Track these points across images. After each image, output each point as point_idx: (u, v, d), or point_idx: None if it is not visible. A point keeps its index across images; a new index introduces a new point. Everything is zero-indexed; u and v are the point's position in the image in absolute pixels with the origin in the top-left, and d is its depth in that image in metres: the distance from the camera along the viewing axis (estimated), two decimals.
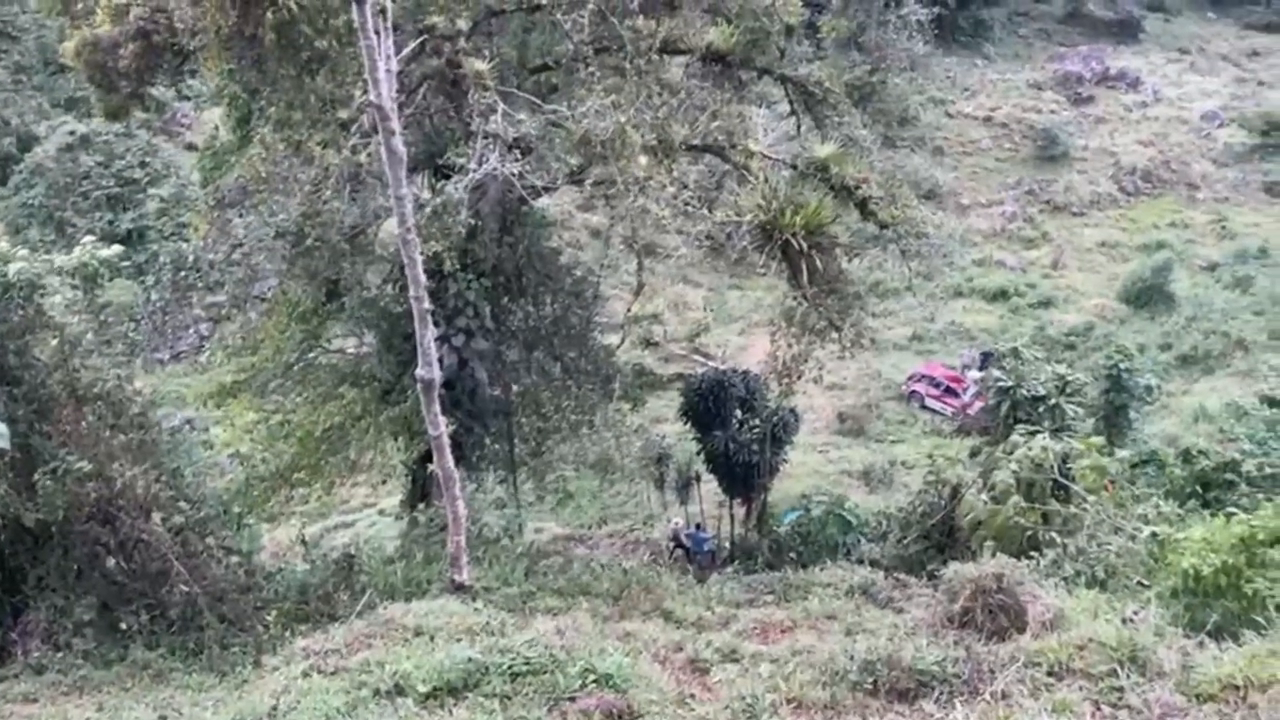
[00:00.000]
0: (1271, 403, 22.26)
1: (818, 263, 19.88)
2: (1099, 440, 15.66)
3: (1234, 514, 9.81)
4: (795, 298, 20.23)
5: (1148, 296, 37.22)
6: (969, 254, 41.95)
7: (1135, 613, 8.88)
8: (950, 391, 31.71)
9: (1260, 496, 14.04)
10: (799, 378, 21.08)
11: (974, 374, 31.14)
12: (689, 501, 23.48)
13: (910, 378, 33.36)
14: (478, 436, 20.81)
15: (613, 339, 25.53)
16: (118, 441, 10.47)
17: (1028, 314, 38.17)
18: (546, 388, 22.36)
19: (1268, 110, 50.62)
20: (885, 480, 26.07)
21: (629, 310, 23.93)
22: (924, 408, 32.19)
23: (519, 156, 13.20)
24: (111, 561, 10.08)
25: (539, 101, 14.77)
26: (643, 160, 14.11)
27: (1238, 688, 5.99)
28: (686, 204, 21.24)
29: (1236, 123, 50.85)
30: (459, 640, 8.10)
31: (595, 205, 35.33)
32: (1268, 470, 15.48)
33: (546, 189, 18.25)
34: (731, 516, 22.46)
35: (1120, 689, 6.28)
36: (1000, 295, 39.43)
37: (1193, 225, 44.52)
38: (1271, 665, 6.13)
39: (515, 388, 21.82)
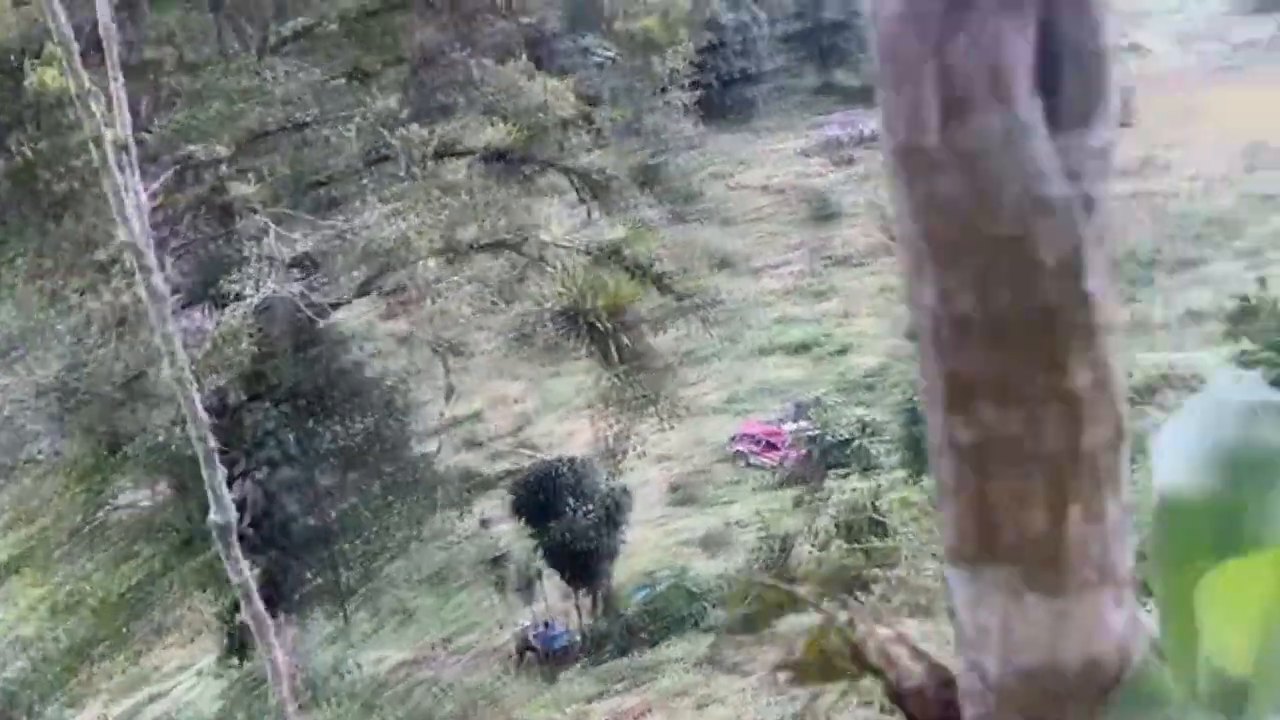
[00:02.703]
0: None
1: (625, 340, 20.28)
2: (902, 474, 16.59)
3: None
4: (609, 378, 20.52)
5: None
6: (768, 313, 44.05)
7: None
8: (771, 446, 32.81)
9: None
10: (624, 456, 21.23)
11: (790, 426, 32.43)
12: (534, 600, 22.94)
13: (733, 438, 34.34)
14: (297, 572, 19.62)
15: (434, 446, 24.89)
16: None
17: (829, 362, 40.31)
18: (368, 508, 21.47)
19: None
20: (724, 543, 26.45)
21: (442, 415, 23.53)
22: (750, 465, 33.11)
23: (301, 275, 12.85)
24: None
25: (316, 219, 14.49)
26: (432, 264, 14.09)
27: None
28: (491, 300, 21.23)
29: None
30: None
31: (398, 312, 34.72)
32: None
33: (337, 304, 17.81)
34: (578, 607, 22.08)
35: None
36: (802, 348, 41.50)
37: None
38: None
39: (333, 513, 20.81)
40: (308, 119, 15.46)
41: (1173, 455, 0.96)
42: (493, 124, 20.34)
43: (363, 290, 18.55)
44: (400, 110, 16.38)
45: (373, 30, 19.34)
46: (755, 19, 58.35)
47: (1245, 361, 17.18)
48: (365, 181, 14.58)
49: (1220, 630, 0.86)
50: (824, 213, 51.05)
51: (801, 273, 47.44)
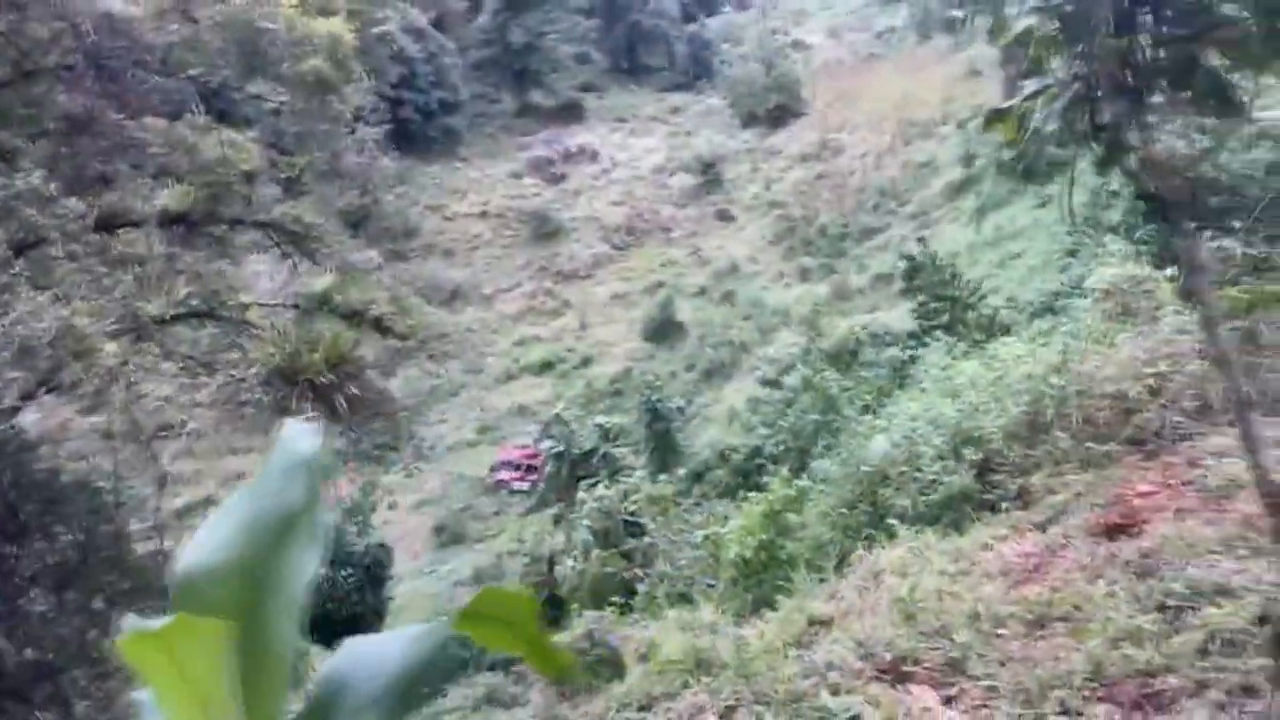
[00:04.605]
0: (769, 384, 26.16)
1: (353, 391, 19.48)
2: (643, 472, 17.15)
3: (749, 496, 11.16)
4: (341, 433, 19.65)
5: (663, 330, 41.94)
6: (507, 337, 44.09)
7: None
8: (530, 469, 32.83)
9: (784, 471, 16.22)
10: (373, 510, 20.40)
11: (544, 445, 32.60)
12: (301, 683, 21.46)
13: (492, 469, 34.01)
14: (22, 716, 17.18)
15: (161, 543, 22.63)
16: None
17: (574, 376, 40.98)
18: (94, 627, 19.16)
19: (699, 154, 60.09)
20: (496, 576, 26.13)
21: (158, 510, 21.41)
22: (513, 492, 32.93)
23: None
24: None
25: None
26: (111, 348, 12.77)
27: (777, 650, 6.73)
28: (195, 373, 19.76)
29: (681, 169, 59.67)
30: None
31: (98, 405, 31.36)
32: (782, 446, 18.02)
33: (15, 409, 15.78)
34: None
35: (702, 707, 6.74)
36: (546, 366, 41.90)
37: (677, 261, 51.18)
38: (795, 619, 6.96)
39: (53, 641, 18.40)
40: None
41: (221, 518, 0.99)
42: (168, 185, 18.83)
43: (47, 387, 16.55)
44: (48, 186, 14.73)
45: (8, 103, 17.31)
46: (444, 49, 58.22)
47: (920, 312, 19.23)
48: (16, 271, 12.94)
49: (166, 691, 0.89)
50: (544, 230, 51.87)
51: (533, 292, 47.93)
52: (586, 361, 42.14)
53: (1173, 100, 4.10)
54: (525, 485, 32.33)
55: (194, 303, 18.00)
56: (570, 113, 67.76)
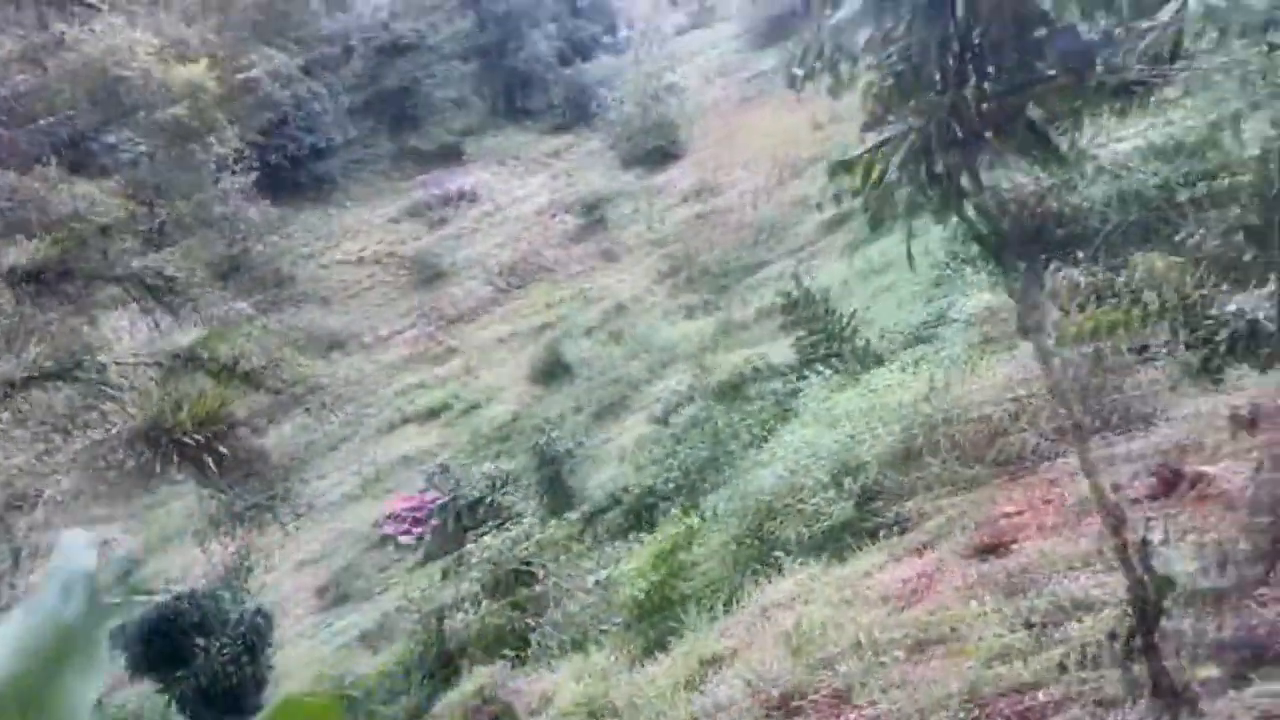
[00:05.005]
0: (659, 421, 26.30)
1: (223, 450, 18.69)
2: (539, 517, 16.95)
3: (643, 537, 11.15)
4: (213, 494, 18.79)
5: (552, 372, 41.74)
6: (391, 386, 43.10)
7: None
8: (418, 521, 31.96)
9: (676, 509, 16.27)
10: (249, 573, 19.53)
11: (431, 495, 31.85)
12: None
13: (378, 522, 32.97)
14: None
15: None
16: None
17: (462, 422, 40.28)
18: None
19: (582, 195, 60.52)
20: (385, 636, 25.21)
21: (11, 585, 19.92)
22: (400, 546, 31.97)
23: None
24: None
25: None
26: None
27: (670, 693, 6.69)
28: (50, 437, 18.74)
29: (565, 211, 59.96)
30: None
31: None
32: (674, 484, 18.09)
33: None
34: None
35: None
36: (433, 413, 41.06)
37: (565, 301, 51.18)
38: (688, 660, 6.95)
39: None
40: None
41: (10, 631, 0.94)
42: (15, 242, 17.80)
43: None
44: None
45: None
46: (315, 94, 57.15)
47: (800, 345, 19.70)
48: None
49: None
50: (427, 274, 51.09)
51: (417, 338, 47.01)
52: (475, 406, 41.48)
53: (1000, 150, 4.39)
54: (413, 538, 31.42)
55: (48, 364, 16.99)
56: (451, 156, 67.35)
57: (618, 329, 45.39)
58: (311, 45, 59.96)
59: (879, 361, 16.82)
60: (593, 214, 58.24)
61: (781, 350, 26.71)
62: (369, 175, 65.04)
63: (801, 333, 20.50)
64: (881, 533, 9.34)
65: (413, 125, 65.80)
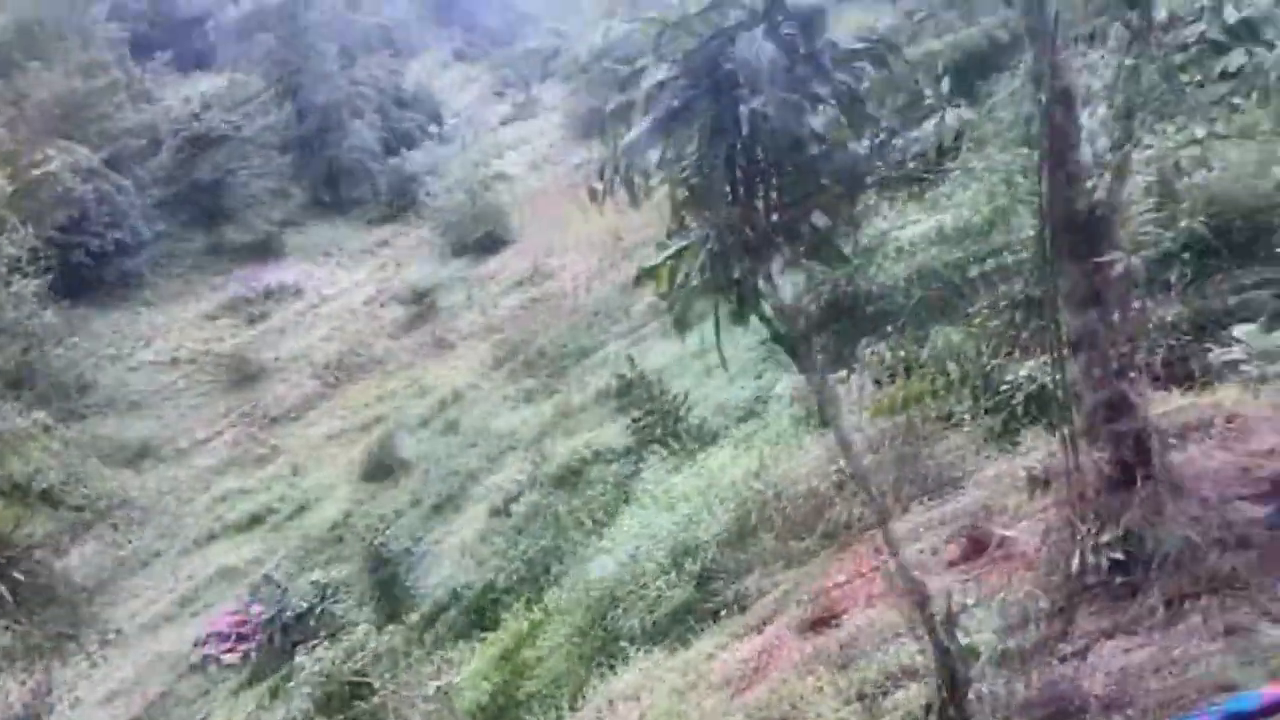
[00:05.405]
0: (499, 513, 25.84)
1: (17, 576, 17.02)
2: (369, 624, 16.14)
3: (485, 636, 10.82)
4: (8, 625, 16.97)
5: (385, 467, 40.24)
6: (208, 494, 40.39)
7: None
8: (243, 637, 29.73)
9: (518, 605, 15.86)
10: (50, 711, 17.69)
11: (255, 609, 29.79)
12: None
13: (198, 642, 30.43)
14: None
15: None
16: None
17: (288, 528, 38.08)
18: None
19: (411, 284, 59.65)
20: None
21: None
22: (225, 668, 29.57)
23: None
24: None
25: None
26: None
27: None
28: None
29: (394, 300, 58.84)
30: None
31: None
32: (516, 577, 17.69)
33: None
34: None
35: None
36: (255, 521, 38.61)
37: (396, 393, 49.80)
38: None
39: None
40: None
41: None
42: None
43: None
44: None
45: None
46: (120, 188, 54.25)
47: (635, 427, 19.95)
48: None
49: None
50: (245, 373, 48.54)
51: (235, 440, 44.39)
52: (302, 509, 39.34)
53: (791, 255, 4.73)
54: (237, 657, 29.13)
55: None
56: (269, 249, 65.06)
57: (453, 419, 44.46)
58: (116, 137, 57.15)
59: (713, 439, 17.23)
60: (423, 302, 57.38)
61: (618, 433, 26.92)
62: (181, 270, 61.79)
63: (637, 414, 20.78)
64: (722, 613, 9.46)
65: (227, 218, 63.39)
